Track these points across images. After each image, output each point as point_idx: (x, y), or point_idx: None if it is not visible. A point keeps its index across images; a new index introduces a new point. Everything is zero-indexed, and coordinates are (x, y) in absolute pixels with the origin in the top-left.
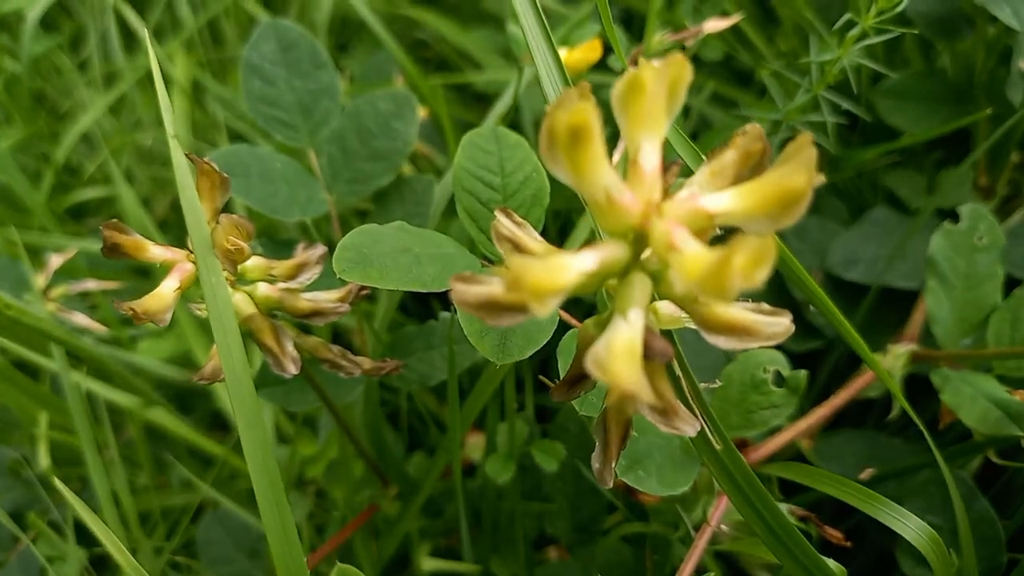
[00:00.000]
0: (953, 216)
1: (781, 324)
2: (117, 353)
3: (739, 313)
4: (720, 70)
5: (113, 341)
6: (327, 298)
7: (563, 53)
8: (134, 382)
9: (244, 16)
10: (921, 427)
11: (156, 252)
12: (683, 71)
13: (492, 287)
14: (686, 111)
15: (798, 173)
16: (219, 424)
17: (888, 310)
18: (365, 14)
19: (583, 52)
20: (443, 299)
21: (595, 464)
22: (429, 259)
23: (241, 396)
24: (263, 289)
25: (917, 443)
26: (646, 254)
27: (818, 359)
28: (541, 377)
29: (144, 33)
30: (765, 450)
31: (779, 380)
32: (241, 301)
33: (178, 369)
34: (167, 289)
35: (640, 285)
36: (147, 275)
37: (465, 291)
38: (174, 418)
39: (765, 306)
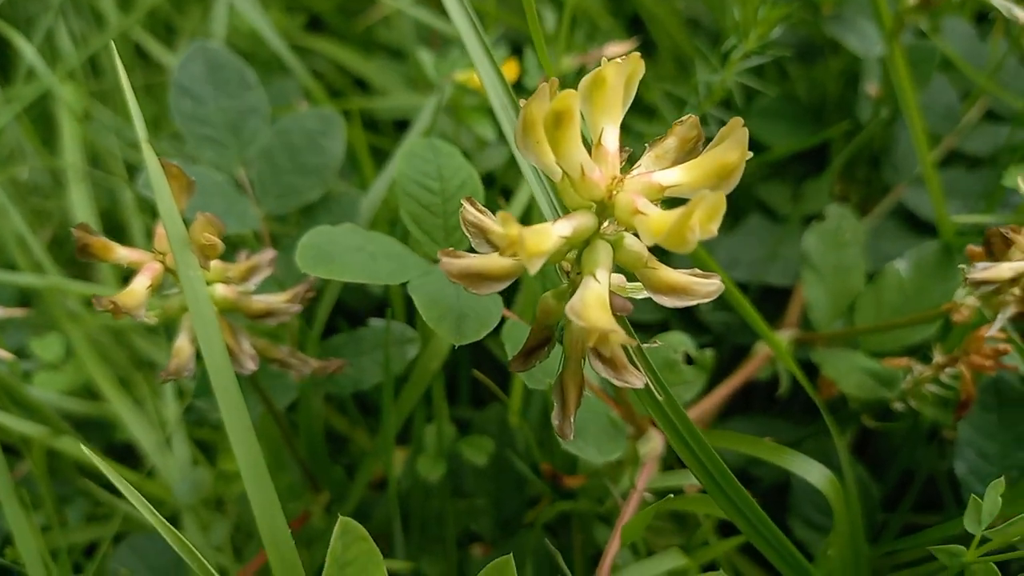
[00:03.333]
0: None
1: (713, 284)
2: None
3: (680, 276)
4: None
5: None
6: (278, 299)
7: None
8: (44, 410)
9: (129, 47)
10: (812, 394)
11: (123, 253)
12: (638, 67)
13: (473, 260)
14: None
15: (733, 150)
16: (117, 456)
17: (766, 304)
18: (277, 45)
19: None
20: (361, 318)
21: (555, 421)
22: (383, 256)
23: (223, 383)
24: (221, 291)
25: (798, 421)
26: (606, 226)
27: None
28: (475, 372)
29: (30, 56)
30: None
31: (688, 360)
32: None
33: (78, 401)
34: (140, 286)
35: (604, 250)
36: (28, 304)
37: (451, 263)
38: (81, 447)
39: (698, 271)
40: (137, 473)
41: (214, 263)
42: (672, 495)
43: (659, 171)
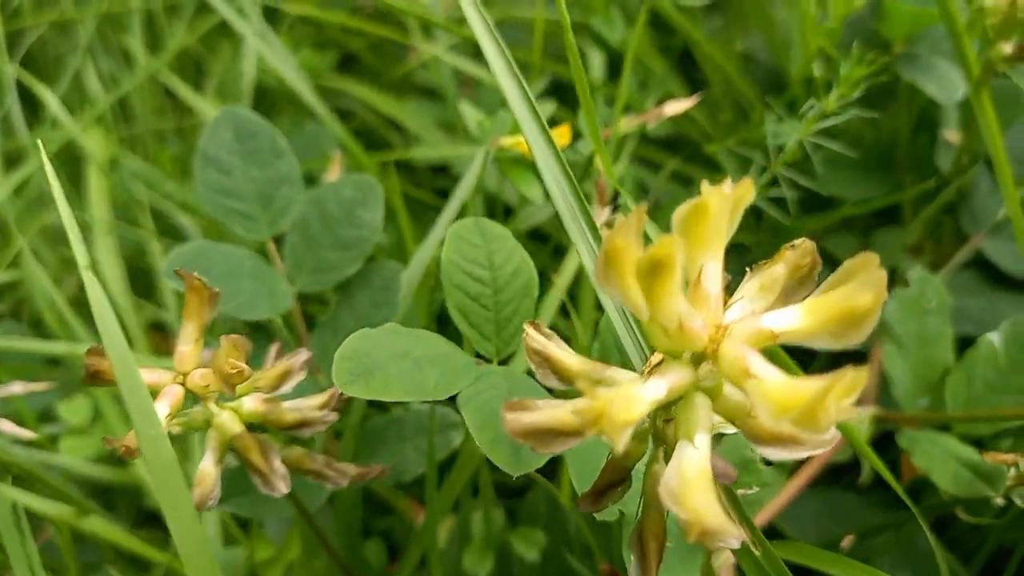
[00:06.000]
0: (890, 277)
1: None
2: (36, 454)
3: (788, 426)
4: (670, 145)
5: (32, 441)
6: (311, 405)
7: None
8: (65, 490)
9: (159, 89)
10: (902, 495)
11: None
12: (747, 193)
13: (543, 415)
14: (644, 191)
15: (865, 292)
16: (145, 522)
17: (836, 369)
18: (309, 98)
19: (556, 136)
20: None
21: None
22: (429, 362)
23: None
24: (249, 404)
25: (870, 497)
26: (703, 371)
27: None
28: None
29: (54, 107)
30: None
31: (767, 459)
32: (228, 420)
33: (105, 468)
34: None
35: (703, 407)
36: (57, 365)
37: (516, 421)
38: (108, 525)
39: None
40: (165, 552)
41: None
42: None
43: (770, 313)
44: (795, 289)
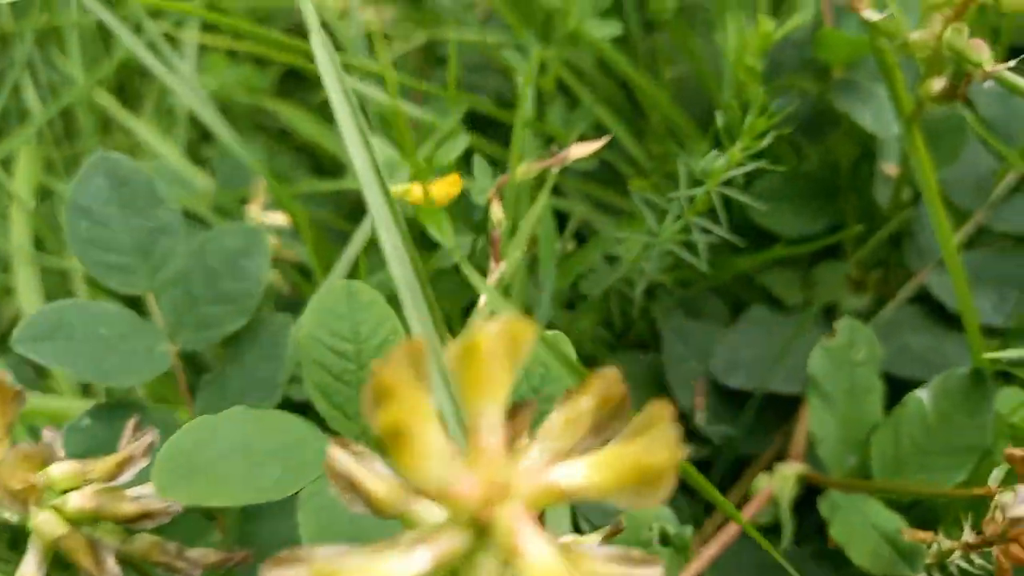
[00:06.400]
0: (830, 313)
1: (653, 574)
2: None
3: (605, 569)
4: (596, 173)
5: None
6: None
7: (420, 190)
8: None
9: (98, 109)
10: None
11: None
12: (524, 332)
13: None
14: (562, 220)
15: (658, 449)
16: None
17: (771, 414)
18: (219, 129)
19: (444, 187)
20: None
21: None
22: (272, 455)
23: None
24: (75, 501)
25: (809, 551)
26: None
27: (707, 467)
28: None
29: None
30: None
31: (664, 540)
32: (48, 521)
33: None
34: None
35: (489, 572)
36: None
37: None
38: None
39: (635, 553)
40: None
41: (66, 466)
42: None
43: (560, 465)
44: (606, 423)
